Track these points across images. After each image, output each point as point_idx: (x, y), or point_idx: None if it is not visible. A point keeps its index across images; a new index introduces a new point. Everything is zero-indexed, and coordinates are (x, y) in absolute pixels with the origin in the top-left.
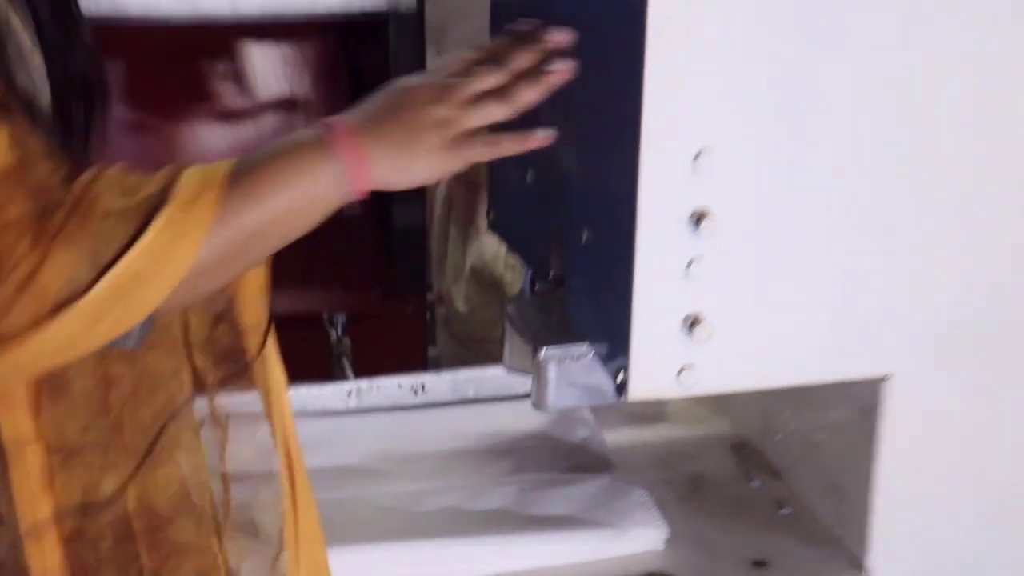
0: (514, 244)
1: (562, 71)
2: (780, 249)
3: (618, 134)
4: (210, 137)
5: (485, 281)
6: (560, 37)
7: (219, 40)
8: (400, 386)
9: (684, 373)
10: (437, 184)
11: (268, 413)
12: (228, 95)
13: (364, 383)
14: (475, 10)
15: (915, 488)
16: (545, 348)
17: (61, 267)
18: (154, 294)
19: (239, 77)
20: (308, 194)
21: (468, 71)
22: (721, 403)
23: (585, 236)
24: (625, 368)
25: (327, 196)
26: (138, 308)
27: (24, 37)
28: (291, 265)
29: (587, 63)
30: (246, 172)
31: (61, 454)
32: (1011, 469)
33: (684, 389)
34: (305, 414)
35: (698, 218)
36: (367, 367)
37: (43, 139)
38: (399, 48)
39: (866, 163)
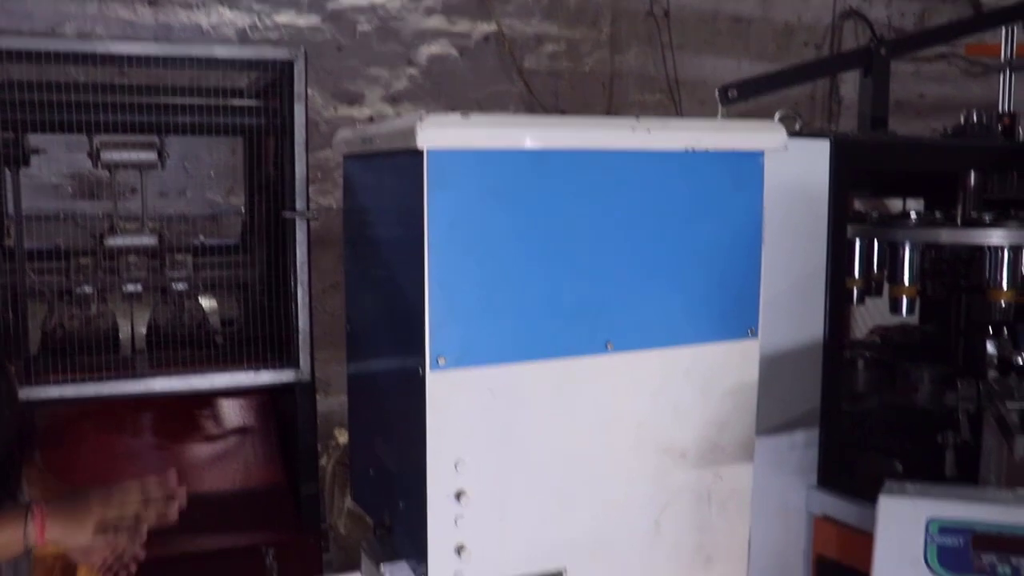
0: (365, 507)
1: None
2: (503, 508)
3: (416, 456)
4: (196, 450)
5: (355, 517)
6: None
7: (205, 396)
8: None
9: None
10: (328, 462)
11: None
12: (209, 426)
13: None
14: (342, 375)
15: None
16: (383, 564)
17: None
18: None
19: (216, 416)
20: (11, 537)
21: (121, 498)
22: None
23: (402, 505)
24: (426, 574)
25: (19, 540)
26: None
27: None
28: (246, 519)
29: (400, 416)
30: None
31: None
32: None
33: None
34: None
35: (459, 495)
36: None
37: None
38: (302, 400)
39: (544, 465)
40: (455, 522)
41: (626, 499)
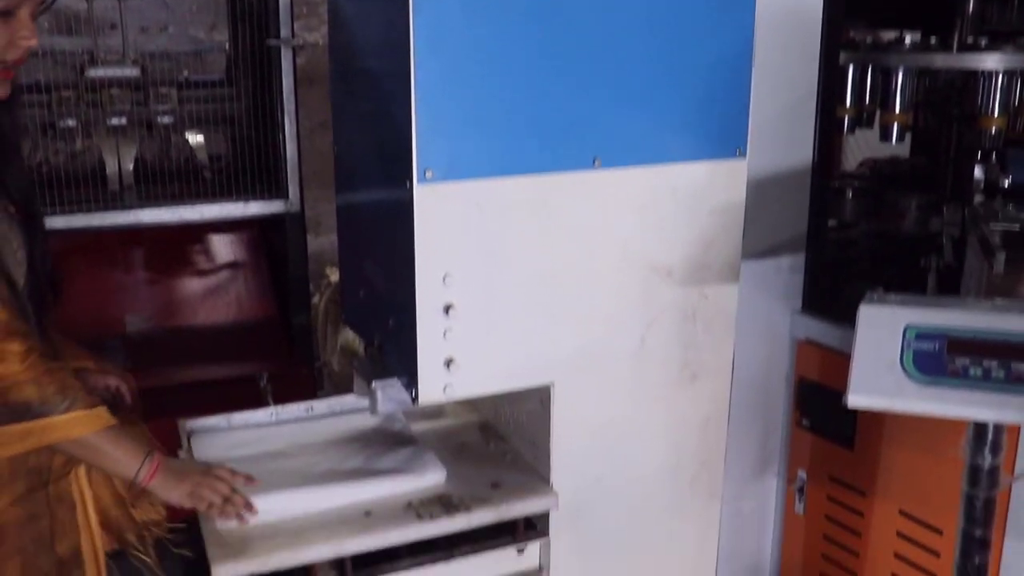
0: (357, 329)
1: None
2: (491, 321)
3: (405, 270)
4: (188, 284)
5: (348, 353)
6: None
7: (195, 232)
8: (299, 408)
9: (447, 389)
10: (320, 300)
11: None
12: (200, 261)
13: (279, 407)
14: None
15: (571, 439)
16: (375, 381)
17: (33, 392)
18: (50, 439)
19: (207, 251)
20: (125, 464)
21: (220, 477)
22: (472, 403)
23: (391, 322)
24: (416, 388)
25: (133, 470)
26: (44, 439)
27: (13, 241)
28: (239, 351)
29: (389, 233)
30: (116, 433)
31: None
32: (612, 429)
33: (447, 397)
34: (247, 426)
35: (447, 308)
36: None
37: (15, 305)
38: (292, 233)
39: (531, 280)
40: (444, 335)
41: (613, 316)
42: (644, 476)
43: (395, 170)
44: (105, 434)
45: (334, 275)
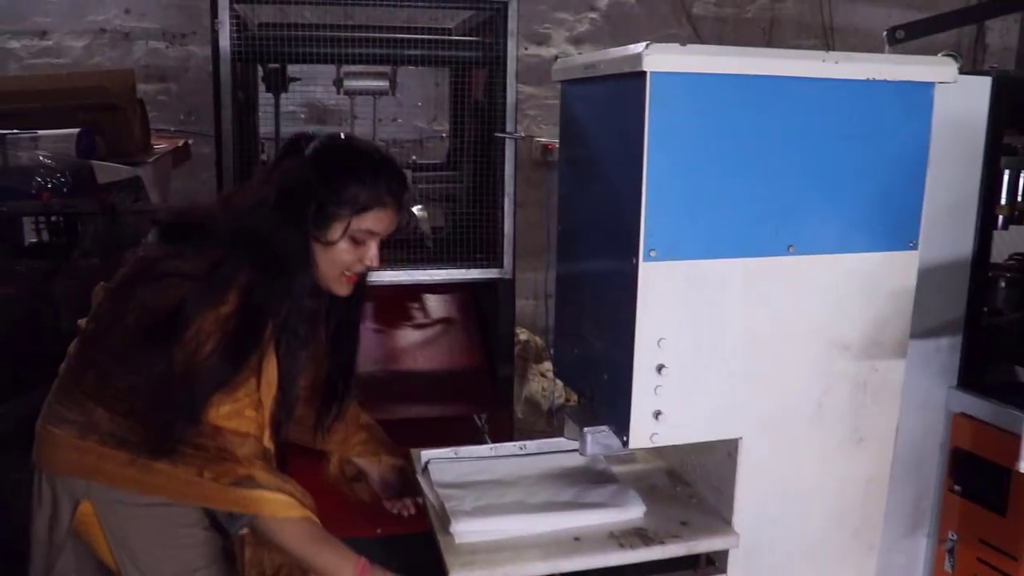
0: (569, 383)
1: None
2: (694, 381)
3: (625, 334)
4: (410, 335)
5: (532, 404)
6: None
7: (416, 292)
8: (514, 446)
9: (653, 436)
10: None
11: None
12: (419, 317)
13: (498, 444)
14: (538, 284)
15: (752, 488)
16: (586, 428)
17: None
18: (254, 509)
19: (424, 309)
20: (336, 567)
21: None
22: (661, 453)
23: (606, 377)
24: (627, 435)
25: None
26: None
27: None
28: (452, 395)
29: (611, 301)
30: (326, 536)
31: None
32: (789, 481)
33: (653, 444)
34: (471, 458)
35: (660, 368)
36: (495, 439)
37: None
38: (503, 295)
39: (731, 347)
40: (655, 391)
41: (795, 381)
42: (813, 525)
43: (622, 247)
44: (316, 536)
45: (523, 335)
